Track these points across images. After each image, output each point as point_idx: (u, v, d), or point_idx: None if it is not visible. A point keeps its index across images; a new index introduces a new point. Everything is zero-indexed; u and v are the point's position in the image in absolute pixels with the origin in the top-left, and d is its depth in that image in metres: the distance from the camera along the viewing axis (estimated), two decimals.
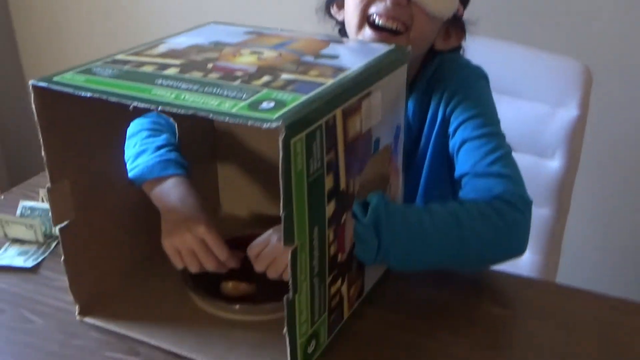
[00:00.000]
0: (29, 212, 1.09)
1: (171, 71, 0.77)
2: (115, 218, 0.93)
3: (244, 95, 0.70)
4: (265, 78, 0.75)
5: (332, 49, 0.87)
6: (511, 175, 0.94)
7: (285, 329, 0.73)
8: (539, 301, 0.93)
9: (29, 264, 1.00)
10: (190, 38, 0.91)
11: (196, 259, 0.88)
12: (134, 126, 1.00)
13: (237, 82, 0.74)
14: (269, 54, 0.83)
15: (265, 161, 1.10)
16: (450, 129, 1.03)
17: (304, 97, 0.69)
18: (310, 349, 0.78)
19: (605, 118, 1.58)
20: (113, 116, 0.89)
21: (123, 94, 0.71)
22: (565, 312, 0.91)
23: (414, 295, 0.94)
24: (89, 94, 0.72)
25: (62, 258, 0.85)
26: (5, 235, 1.06)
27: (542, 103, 1.33)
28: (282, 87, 0.72)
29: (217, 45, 0.87)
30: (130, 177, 0.95)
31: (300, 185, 0.68)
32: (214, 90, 0.71)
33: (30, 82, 0.75)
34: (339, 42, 0.92)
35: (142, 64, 0.80)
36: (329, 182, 0.74)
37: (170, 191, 0.93)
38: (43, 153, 0.79)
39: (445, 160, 1.07)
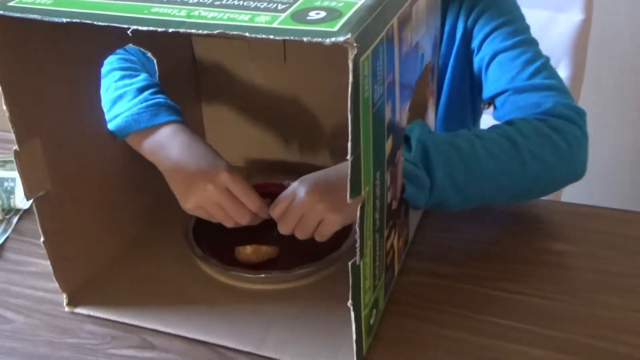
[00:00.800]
0: None
1: None
2: (99, 182, 0.75)
3: (279, 6, 0.52)
4: None
5: None
6: (557, 85, 0.81)
7: (350, 301, 0.58)
8: (598, 229, 0.82)
9: None
10: None
11: (226, 213, 0.72)
12: (102, 66, 0.81)
13: None
14: None
15: (259, 99, 0.93)
16: (475, 44, 0.89)
17: (358, 3, 0.52)
18: (372, 320, 0.64)
19: (611, 23, 1.47)
20: (85, 51, 0.69)
21: (114, 16, 0.53)
22: (632, 238, 0.80)
23: (459, 239, 0.81)
24: (65, 19, 0.53)
25: (42, 239, 0.67)
26: None
27: (542, 9, 1.20)
28: None
29: None
30: (111, 130, 0.76)
31: (367, 118, 0.53)
32: (235, 2, 0.54)
33: None
34: None
35: None
36: (387, 113, 0.58)
37: (169, 143, 0.75)
38: (4, 105, 0.60)
39: (467, 81, 0.94)
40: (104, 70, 0.80)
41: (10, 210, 0.88)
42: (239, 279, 0.74)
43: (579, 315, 0.68)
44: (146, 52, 0.82)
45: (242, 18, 0.51)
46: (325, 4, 0.52)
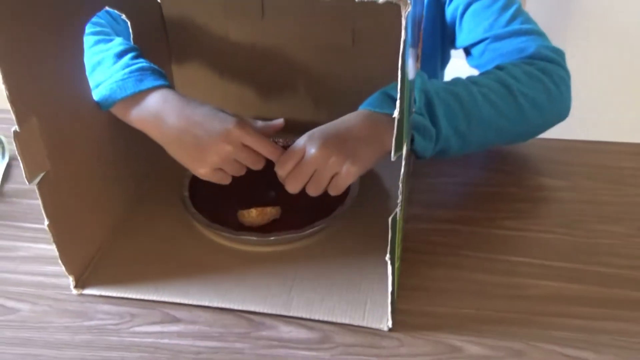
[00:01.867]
0: None
1: None
2: (92, 156, 0.71)
3: None
4: None
5: None
6: (535, 29, 0.84)
7: (387, 256, 0.59)
8: (577, 161, 0.87)
9: None
10: None
11: (242, 165, 0.70)
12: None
13: None
14: None
15: (234, 57, 0.90)
16: None
17: None
18: (398, 273, 0.66)
19: None
20: (66, 20, 0.64)
21: None
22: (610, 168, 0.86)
23: (452, 183, 0.84)
24: None
25: (46, 223, 0.63)
26: None
27: None
28: None
29: None
30: (95, 100, 0.71)
31: (407, 76, 0.52)
32: None
33: None
34: None
35: None
36: (411, 67, 0.58)
37: (164, 111, 0.70)
38: (3, 84, 0.55)
39: (438, 30, 0.94)
40: None
41: None
42: (249, 243, 0.73)
43: (581, 245, 0.73)
44: (120, 14, 0.77)
45: None
46: None
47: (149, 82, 0.72)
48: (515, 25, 0.83)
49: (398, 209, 0.57)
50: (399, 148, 0.53)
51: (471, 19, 0.86)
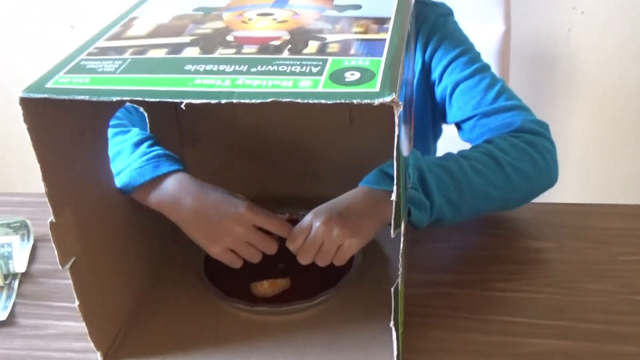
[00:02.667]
0: None
1: (192, 52, 0.63)
2: (116, 238, 0.77)
3: (312, 69, 0.58)
4: (313, 44, 0.63)
5: None
6: (519, 105, 0.92)
7: (392, 323, 0.65)
8: (564, 223, 0.93)
9: (0, 316, 0.81)
10: (163, 8, 0.76)
11: (254, 248, 0.77)
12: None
13: (286, 54, 0.62)
14: (282, 14, 0.71)
15: (240, 138, 0.97)
16: (434, 75, 0.98)
17: (382, 61, 0.59)
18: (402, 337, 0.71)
19: (528, 31, 1.62)
20: (96, 117, 0.72)
21: (164, 91, 0.56)
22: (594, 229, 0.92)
23: (449, 248, 0.90)
24: (115, 98, 0.56)
25: (77, 304, 0.69)
26: None
27: (468, 22, 1.32)
28: (345, 52, 0.61)
29: (207, 12, 0.73)
30: (117, 186, 0.78)
31: (401, 162, 0.60)
32: (270, 68, 0.59)
33: (20, 95, 0.57)
34: None
35: (143, 49, 0.64)
36: (405, 151, 0.66)
37: (180, 193, 0.78)
38: (42, 181, 0.62)
39: (428, 108, 1.02)
40: None
41: (9, 275, 0.88)
42: (263, 313, 0.78)
43: (570, 303, 0.79)
44: (137, 107, 0.85)
45: (286, 84, 0.56)
46: (353, 63, 0.59)
47: (165, 167, 0.79)
48: (501, 102, 0.91)
49: (399, 280, 0.63)
50: (397, 225, 0.60)
51: (460, 98, 0.94)
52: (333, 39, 0.64)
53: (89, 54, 0.64)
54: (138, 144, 0.81)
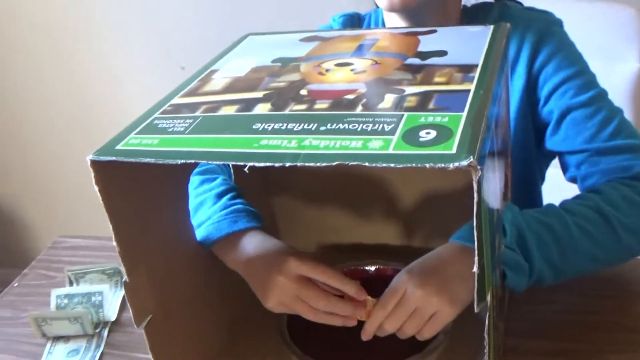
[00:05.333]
0: (65, 301, 0.90)
1: (262, 109, 0.60)
2: (194, 293, 0.76)
3: (385, 127, 0.54)
4: (389, 98, 0.59)
5: (428, 42, 0.72)
6: (638, 144, 0.81)
7: None
8: None
9: None
10: (243, 60, 0.74)
11: (305, 303, 0.70)
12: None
13: (359, 109, 0.58)
14: (361, 64, 0.68)
15: (326, 184, 0.94)
16: (542, 93, 0.87)
17: (463, 117, 0.54)
18: None
19: None
20: (175, 173, 0.71)
21: (228, 153, 0.54)
22: None
23: (551, 311, 0.81)
24: (180, 161, 0.54)
25: None
26: (44, 334, 0.87)
27: (597, 60, 1.21)
28: (422, 107, 0.56)
29: (285, 63, 0.71)
30: (198, 239, 0.77)
31: (486, 227, 0.53)
32: (340, 127, 0.55)
33: (89, 158, 0.57)
34: (423, 32, 0.76)
35: (215, 106, 0.63)
36: (494, 207, 0.59)
37: (245, 246, 0.76)
38: (114, 242, 0.61)
39: (531, 132, 0.91)
40: None
41: (99, 324, 0.89)
42: None
43: None
44: None
45: (355, 145, 0.52)
46: (430, 120, 0.54)
47: (242, 223, 0.77)
48: (619, 141, 0.80)
49: (485, 357, 0.56)
50: (481, 299, 0.54)
51: (570, 127, 0.83)
52: (412, 91, 0.60)
53: (163, 112, 0.64)
54: (221, 196, 0.80)
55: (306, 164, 0.51)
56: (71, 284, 0.96)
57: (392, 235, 0.94)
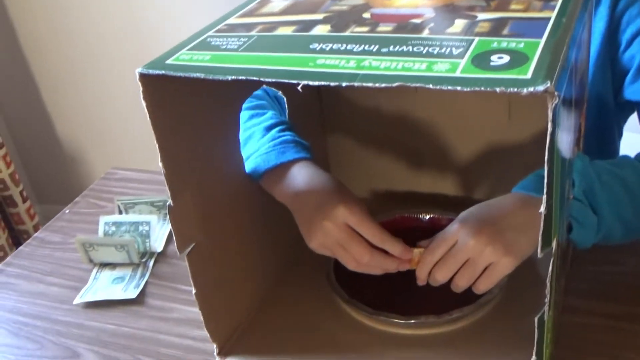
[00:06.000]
0: (113, 228, 0.89)
1: (321, 30, 0.57)
2: (242, 228, 0.74)
3: (453, 50, 0.49)
4: (460, 23, 0.54)
5: None
6: None
7: (534, 358, 0.54)
8: None
9: (132, 294, 0.81)
10: None
11: (347, 253, 0.67)
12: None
13: (426, 33, 0.53)
14: None
15: (385, 128, 0.90)
16: (624, 36, 0.79)
17: (542, 43, 0.48)
18: None
19: None
20: (226, 98, 0.68)
21: (281, 71, 0.51)
22: None
23: (619, 273, 0.76)
24: (230, 77, 0.51)
25: (194, 291, 0.66)
26: (91, 260, 0.87)
27: None
28: (495, 32, 0.51)
29: None
30: (247, 172, 0.75)
31: (558, 167, 0.49)
32: (404, 49, 0.51)
33: (138, 70, 0.54)
34: None
35: (272, 26, 0.59)
36: (566, 154, 0.54)
37: (294, 178, 0.72)
38: (160, 164, 0.59)
39: (610, 81, 0.84)
40: None
41: (146, 254, 0.88)
42: (388, 324, 0.71)
43: None
44: (276, 91, 0.81)
45: (418, 67, 0.48)
46: (504, 45, 0.49)
47: (290, 154, 0.74)
48: None
49: (546, 308, 0.52)
50: (546, 244, 0.49)
51: None
52: (485, 17, 0.54)
53: (218, 31, 0.60)
54: (270, 128, 0.77)
55: (364, 84, 0.47)
56: (120, 213, 0.96)
57: (450, 186, 0.90)
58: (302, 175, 0.72)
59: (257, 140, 0.76)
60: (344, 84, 0.48)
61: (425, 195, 0.91)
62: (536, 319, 0.52)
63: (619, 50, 0.80)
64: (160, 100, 0.57)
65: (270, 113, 0.81)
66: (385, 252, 0.67)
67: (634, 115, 0.86)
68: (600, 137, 0.89)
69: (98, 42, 1.98)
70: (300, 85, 0.49)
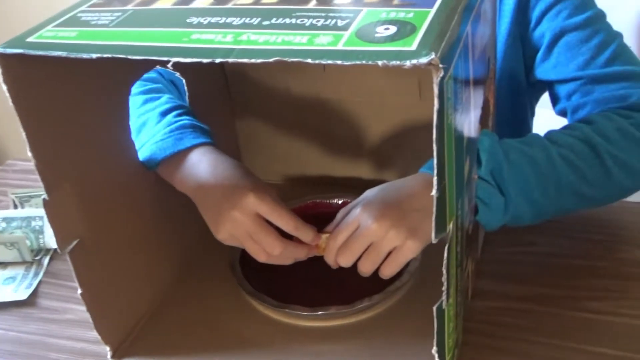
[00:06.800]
0: (3, 225, 0.82)
1: (202, 3, 0.52)
2: (136, 221, 0.68)
3: (338, 22, 0.45)
4: None
5: None
6: (637, 72, 0.72)
7: (434, 349, 0.52)
8: None
9: (22, 295, 0.75)
10: None
11: (257, 244, 0.63)
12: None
13: (312, 4, 0.49)
14: None
15: (296, 110, 0.86)
16: (533, 13, 0.77)
17: (432, 12, 0.45)
18: None
19: None
20: (111, 80, 0.63)
21: (151, 47, 0.46)
22: None
23: (531, 253, 0.74)
24: (95, 55, 0.46)
25: (79, 291, 0.61)
26: None
27: None
28: (386, 2, 0.48)
29: None
30: (141, 161, 0.69)
31: (451, 145, 0.46)
32: (286, 21, 0.46)
33: None
34: None
35: (150, 0, 0.54)
36: (465, 131, 0.51)
37: (196, 166, 0.67)
38: (29, 152, 0.54)
39: (521, 60, 0.82)
40: None
41: (40, 251, 0.82)
42: (294, 316, 0.67)
43: None
44: (173, 72, 0.75)
45: (299, 40, 0.44)
46: (393, 16, 0.45)
47: (189, 140, 0.69)
48: (616, 67, 0.72)
49: (444, 297, 0.49)
50: (441, 229, 0.46)
51: (563, 51, 0.75)
52: None
53: (93, 5, 0.55)
54: (165, 113, 0.72)
55: (239, 60, 0.43)
56: (16, 207, 0.89)
57: (364, 169, 0.87)
58: (204, 163, 0.68)
59: (152, 127, 0.71)
60: (217, 60, 0.43)
61: (340, 179, 0.88)
62: (434, 309, 0.49)
63: (529, 27, 0.78)
64: (25, 83, 0.51)
65: (165, 97, 0.75)
66: (297, 240, 0.63)
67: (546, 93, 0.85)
68: (513, 115, 0.87)
69: None
70: (171, 63, 0.44)
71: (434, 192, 0.44)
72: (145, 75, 0.76)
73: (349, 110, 0.83)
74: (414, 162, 0.72)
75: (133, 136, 0.69)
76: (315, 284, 0.71)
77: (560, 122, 0.78)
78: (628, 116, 0.67)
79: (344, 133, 0.85)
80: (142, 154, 0.69)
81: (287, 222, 0.62)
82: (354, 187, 0.84)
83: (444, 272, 0.48)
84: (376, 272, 0.62)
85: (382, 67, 0.40)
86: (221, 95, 0.86)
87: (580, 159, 0.64)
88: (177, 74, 0.75)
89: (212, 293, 0.72)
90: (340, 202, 0.80)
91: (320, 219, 0.67)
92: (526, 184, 0.63)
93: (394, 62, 0.39)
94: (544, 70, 0.78)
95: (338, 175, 0.88)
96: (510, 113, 0.85)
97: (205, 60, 0.43)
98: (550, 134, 0.67)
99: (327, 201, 0.81)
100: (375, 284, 0.66)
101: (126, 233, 0.67)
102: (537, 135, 0.68)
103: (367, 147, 0.85)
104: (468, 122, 0.52)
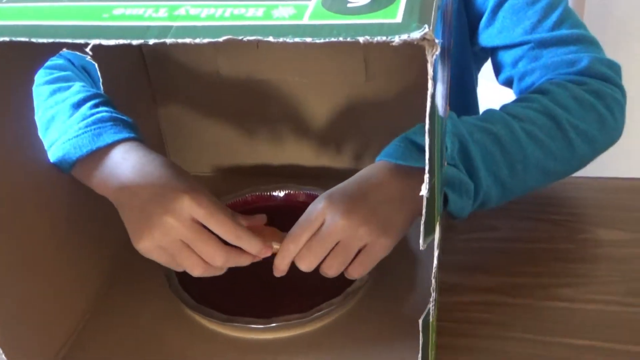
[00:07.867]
0: None
1: None
2: (49, 230, 0.58)
3: None
4: None
5: None
6: (586, 36, 0.69)
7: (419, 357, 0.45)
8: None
9: None
10: None
11: (194, 255, 0.54)
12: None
13: None
14: None
15: (226, 94, 0.77)
16: None
17: None
18: None
19: None
20: (8, 69, 0.52)
21: (60, 27, 0.36)
22: None
23: (491, 239, 0.70)
24: None
25: None
26: None
27: None
28: None
29: None
30: (52, 163, 0.59)
31: (439, 138, 0.39)
32: None
33: None
34: None
35: None
36: (442, 114, 0.45)
37: (119, 166, 0.57)
38: None
39: (466, 25, 0.77)
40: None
41: None
42: (246, 330, 0.59)
43: None
44: (84, 56, 0.64)
45: (253, 14, 0.35)
46: None
47: (109, 136, 0.59)
48: (564, 30, 0.68)
49: (431, 307, 0.43)
50: (429, 232, 0.40)
51: (508, 16, 0.71)
52: None
53: None
54: (78, 105, 0.62)
55: (179, 41, 0.34)
56: None
57: (307, 156, 0.79)
58: (129, 161, 0.58)
59: (63, 122, 0.60)
60: (151, 42, 0.34)
61: (278, 167, 0.80)
62: (420, 322, 0.43)
63: None
64: None
65: (77, 86, 0.65)
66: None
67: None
68: (461, 88, 0.82)
69: None
70: (90, 47, 0.35)
71: (423, 192, 0.37)
72: (50, 62, 0.65)
73: (287, 92, 0.75)
74: (364, 148, 0.66)
75: (40, 133, 0.59)
76: (264, 290, 0.63)
77: (503, 92, 0.74)
78: (581, 82, 0.64)
79: (282, 117, 0.77)
80: (53, 154, 0.58)
81: (227, 230, 0.53)
82: (295, 176, 0.77)
83: (432, 280, 0.41)
84: (332, 280, 0.55)
85: (363, 43, 0.32)
86: (141, 80, 0.75)
87: (543, 132, 0.60)
88: (88, 57, 0.64)
89: (146, 308, 0.63)
90: (282, 194, 0.73)
91: (262, 213, 0.60)
92: (494, 164, 0.58)
93: (378, 38, 0.32)
94: (488, 37, 0.73)
95: (276, 164, 0.80)
96: (458, 85, 0.80)
97: (134, 42, 0.34)
98: (507, 108, 0.63)
99: (268, 193, 0.73)
100: (334, 287, 0.60)
101: (37, 245, 0.56)
102: (494, 111, 0.63)
103: (310, 132, 0.77)
104: (442, 105, 0.46)
